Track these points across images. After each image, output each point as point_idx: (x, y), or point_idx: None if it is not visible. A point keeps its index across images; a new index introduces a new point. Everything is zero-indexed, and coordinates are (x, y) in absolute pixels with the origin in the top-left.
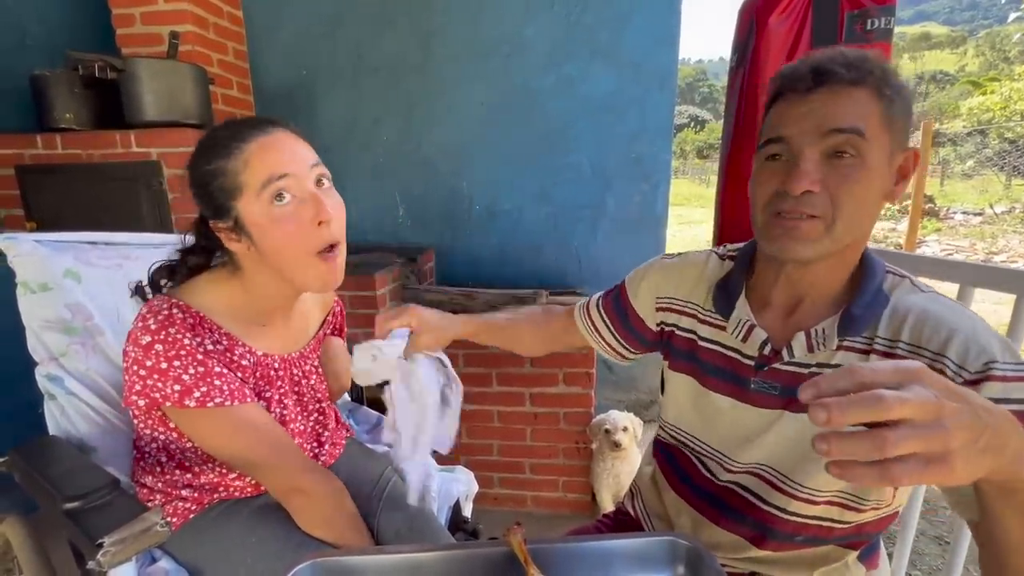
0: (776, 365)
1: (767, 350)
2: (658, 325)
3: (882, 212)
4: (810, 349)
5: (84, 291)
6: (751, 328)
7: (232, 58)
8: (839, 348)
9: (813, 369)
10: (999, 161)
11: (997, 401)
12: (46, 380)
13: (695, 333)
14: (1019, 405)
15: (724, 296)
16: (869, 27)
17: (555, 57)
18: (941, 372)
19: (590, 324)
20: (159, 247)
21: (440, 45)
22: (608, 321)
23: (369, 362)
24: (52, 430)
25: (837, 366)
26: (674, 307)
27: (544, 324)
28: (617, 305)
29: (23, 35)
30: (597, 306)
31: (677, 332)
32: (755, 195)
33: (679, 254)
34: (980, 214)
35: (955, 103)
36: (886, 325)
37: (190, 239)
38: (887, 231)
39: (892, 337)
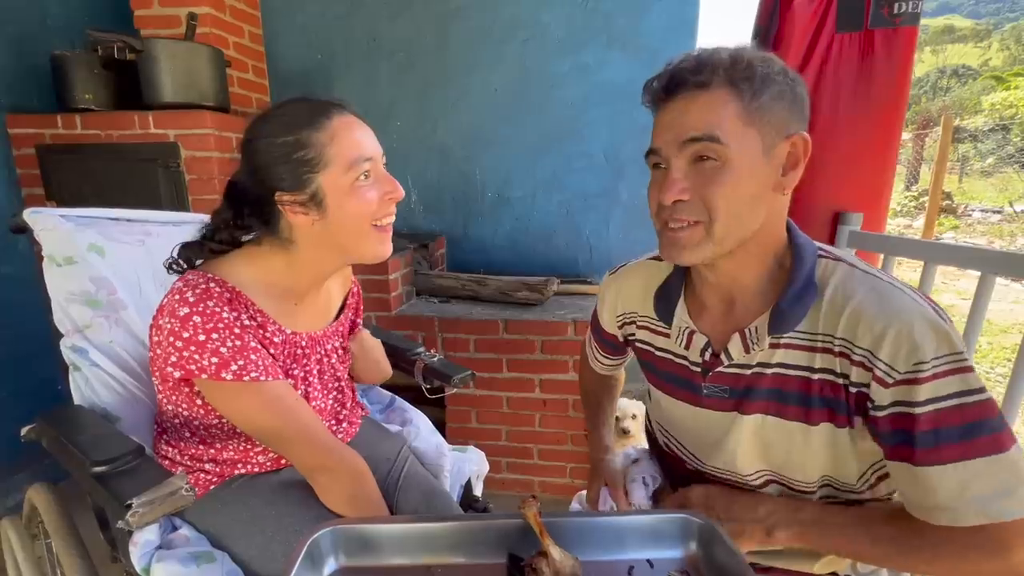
0: (719, 369)
1: (708, 355)
2: (623, 337)
3: (897, 208)
4: (746, 349)
5: (107, 265)
6: (691, 334)
7: (248, 41)
8: (779, 346)
9: (754, 369)
10: (1021, 159)
11: (930, 400)
12: (71, 352)
13: (652, 345)
14: (951, 400)
15: (664, 303)
16: (896, 11)
17: (571, 43)
18: (871, 371)
19: (599, 363)
20: (179, 225)
21: (456, 29)
22: (599, 349)
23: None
24: (77, 400)
25: (780, 365)
26: (629, 320)
27: (615, 391)
28: (597, 333)
29: (44, 15)
30: (590, 343)
31: (638, 344)
32: (648, 203)
33: (622, 265)
34: (999, 212)
35: (977, 98)
36: (825, 320)
37: (215, 221)
38: (902, 228)
39: (830, 332)
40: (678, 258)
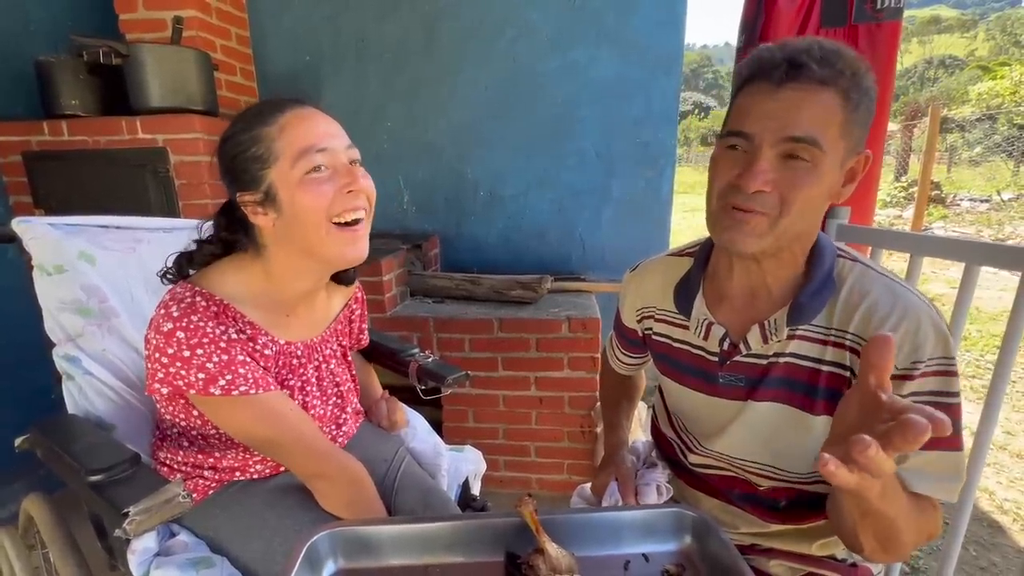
0: (737, 358)
1: (727, 344)
2: (642, 332)
3: (887, 198)
4: (764, 340)
5: (98, 273)
6: (709, 325)
7: (235, 44)
8: (793, 337)
9: (771, 359)
10: (1008, 147)
11: (911, 395)
12: (64, 361)
13: (669, 337)
14: (929, 397)
15: (684, 295)
16: (879, 6)
17: (560, 41)
18: None
19: (620, 362)
20: (170, 231)
21: (444, 29)
22: (620, 347)
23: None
24: (71, 409)
25: (792, 355)
26: (648, 314)
27: (634, 393)
28: (619, 330)
29: (26, 19)
30: (612, 343)
31: (653, 336)
32: (711, 181)
33: (639, 264)
34: (987, 201)
35: (964, 88)
36: (840, 315)
37: (207, 227)
38: (893, 218)
39: (843, 328)
40: (740, 244)
